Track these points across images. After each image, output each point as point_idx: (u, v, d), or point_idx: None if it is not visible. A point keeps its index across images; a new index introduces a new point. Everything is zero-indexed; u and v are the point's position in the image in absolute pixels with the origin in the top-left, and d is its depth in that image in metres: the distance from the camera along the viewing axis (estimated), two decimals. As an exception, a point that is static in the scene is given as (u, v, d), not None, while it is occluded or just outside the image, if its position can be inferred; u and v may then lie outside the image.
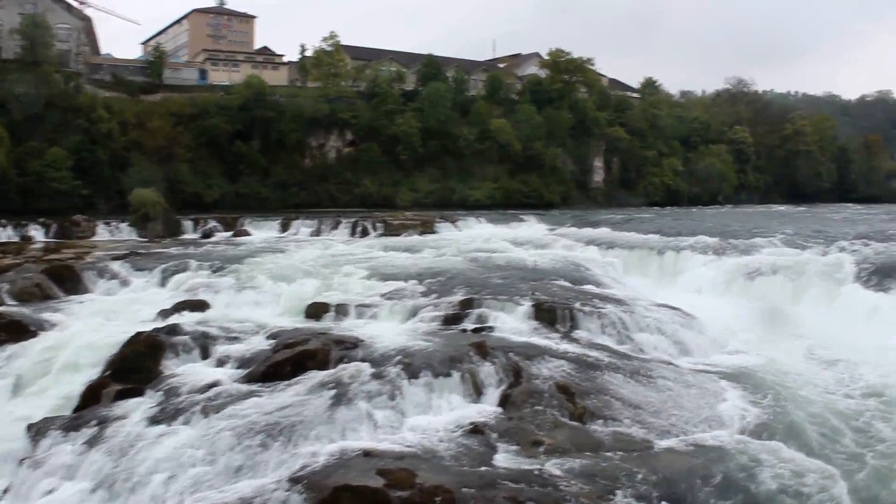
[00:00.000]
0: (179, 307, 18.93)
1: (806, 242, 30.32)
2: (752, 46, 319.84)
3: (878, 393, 14.39)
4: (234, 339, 15.71)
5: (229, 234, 46.41)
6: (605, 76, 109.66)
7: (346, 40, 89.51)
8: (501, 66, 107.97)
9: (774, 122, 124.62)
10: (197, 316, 17.86)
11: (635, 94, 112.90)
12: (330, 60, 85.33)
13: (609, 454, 10.52)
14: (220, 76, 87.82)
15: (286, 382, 12.73)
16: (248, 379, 13.17)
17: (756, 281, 25.24)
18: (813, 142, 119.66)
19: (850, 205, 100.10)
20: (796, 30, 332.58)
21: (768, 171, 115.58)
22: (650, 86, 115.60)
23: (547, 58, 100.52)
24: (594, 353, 15.55)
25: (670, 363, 15.87)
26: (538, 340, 16.28)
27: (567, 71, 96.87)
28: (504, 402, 12.57)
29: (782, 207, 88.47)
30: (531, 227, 50.30)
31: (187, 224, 48.71)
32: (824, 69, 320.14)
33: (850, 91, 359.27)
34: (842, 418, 12.88)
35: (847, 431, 12.28)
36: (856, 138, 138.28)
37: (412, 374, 12.95)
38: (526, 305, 18.46)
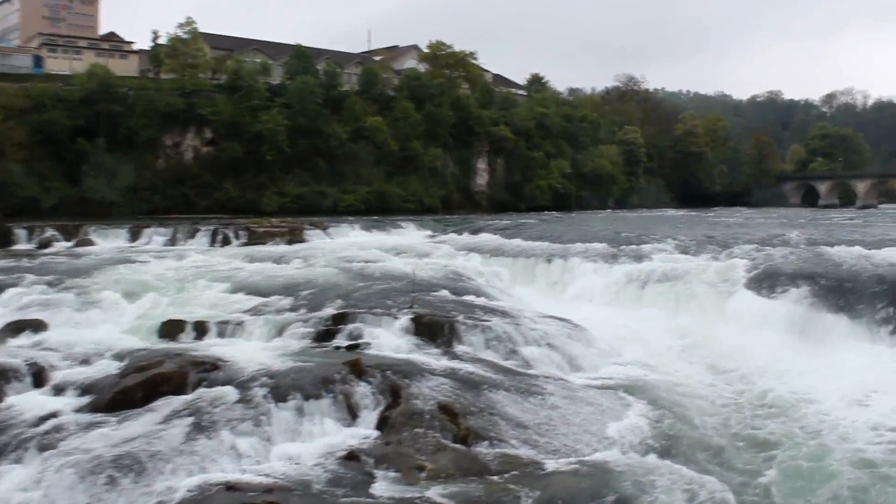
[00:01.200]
0: (10, 328, 17.94)
1: (698, 248, 31.74)
2: (643, 43, 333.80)
3: (771, 403, 15.21)
4: (76, 364, 15.02)
5: (70, 244, 44.29)
6: (489, 71, 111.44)
7: (204, 27, 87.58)
8: (377, 59, 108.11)
9: (666, 121, 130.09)
10: (31, 338, 17.00)
11: (521, 92, 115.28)
12: (186, 49, 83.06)
13: (495, 478, 10.63)
14: (58, 64, 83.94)
15: (137, 410, 12.27)
16: (93, 408, 12.61)
17: (647, 289, 26.23)
18: (705, 143, 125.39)
19: (742, 209, 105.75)
20: (687, 27, 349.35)
21: (660, 173, 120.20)
22: (537, 82, 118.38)
23: (427, 51, 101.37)
24: (478, 370, 15.73)
25: (559, 378, 16.24)
26: (418, 357, 16.33)
27: (448, 65, 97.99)
28: (382, 425, 12.53)
29: (674, 212, 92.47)
30: (410, 234, 50.53)
31: (20, 233, 46.11)
32: (716, 68, 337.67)
33: (741, 91, 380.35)
34: (735, 431, 13.54)
35: (740, 445, 12.91)
36: (747, 139, 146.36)
37: (280, 397, 12.73)
38: (404, 319, 18.49)
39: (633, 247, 32.50)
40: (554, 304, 24.83)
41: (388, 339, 17.50)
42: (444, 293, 23.19)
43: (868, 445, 12.79)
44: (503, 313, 20.06)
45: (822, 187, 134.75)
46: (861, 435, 13.30)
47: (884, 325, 22.49)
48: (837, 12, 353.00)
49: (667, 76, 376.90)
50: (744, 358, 18.77)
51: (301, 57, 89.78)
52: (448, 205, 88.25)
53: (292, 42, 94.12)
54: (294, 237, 46.47)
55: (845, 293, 24.01)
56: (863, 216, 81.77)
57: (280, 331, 18.14)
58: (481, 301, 22.47)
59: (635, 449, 12.28)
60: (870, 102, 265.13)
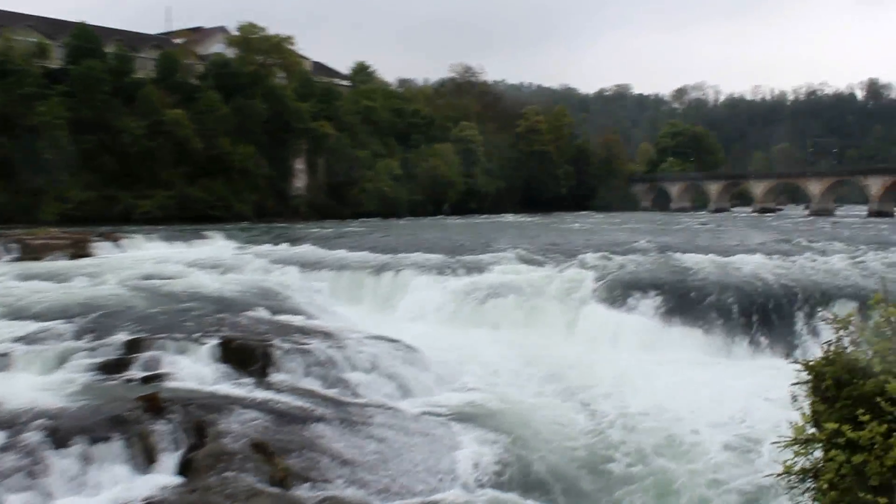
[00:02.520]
0: None
1: (543, 257, 32.76)
2: (482, 32, 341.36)
3: (624, 425, 15.84)
4: None
5: None
6: (308, 59, 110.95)
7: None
8: (178, 42, 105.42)
9: (507, 117, 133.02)
10: None
11: (345, 82, 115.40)
12: (-62, 24, 78.21)
13: (319, 525, 10.55)
14: None
15: None
16: None
17: (488, 304, 26.81)
18: (549, 141, 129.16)
19: (589, 213, 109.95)
20: (529, 15, 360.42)
21: (501, 174, 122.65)
22: (363, 72, 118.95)
23: (236, 34, 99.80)
24: (298, 401, 15.56)
25: (391, 407, 16.30)
26: (227, 388, 15.98)
27: (261, 51, 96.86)
28: (185, 469, 12.17)
29: (516, 217, 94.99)
30: (217, 245, 49.42)
31: None
32: (561, 59, 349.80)
33: (588, 84, 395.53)
34: (588, 458, 14.00)
35: (591, 474, 13.36)
36: (595, 137, 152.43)
37: (60, 441, 12.12)
38: (210, 345, 18.04)
39: (472, 257, 33.16)
40: (383, 322, 24.94)
41: (192, 368, 17.01)
42: (258, 313, 22.82)
43: (723, 465, 13.54)
44: (326, 335, 19.95)
45: (674, 189, 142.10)
46: (717, 455, 14.06)
47: (739, 337, 23.98)
48: (688, 5, 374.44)
49: (508, 67, 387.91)
50: (595, 377, 19.47)
51: (85, 37, 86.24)
52: (262, 211, 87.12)
53: (75, 19, 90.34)
54: (79, 251, 44.47)
55: (699, 304, 25.46)
56: (716, 220, 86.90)
57: (60, 362, 17.27)
58: (301, 321, 22.26)
59: (479, 484, 12.48)
60: (721, 98, 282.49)
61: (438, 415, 16.05)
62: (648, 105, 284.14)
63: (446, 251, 35.31)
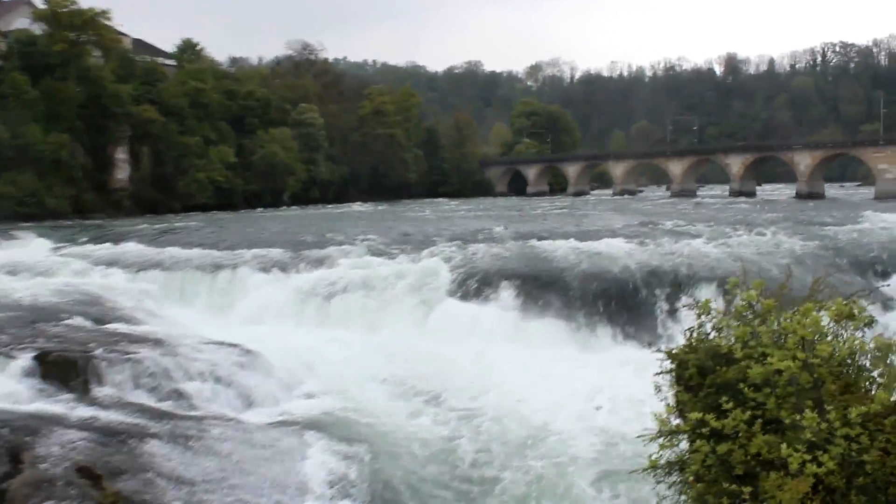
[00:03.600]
0: None
1: (393, 249, 32.89)
2: (319, 5, 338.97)
3: (483, 426, 16.09)
4: None
5: None
6: (127, 36, 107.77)
7: None
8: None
9: (350, 98, 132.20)
10: None
11: (170, 62, 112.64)
12: None
13: (155, 553, 10.34)
14: None
15: None
16: None
17: (335, 301, 26.77)
18: (396, 123, 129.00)
19: (441, 200, 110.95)
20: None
21: (345, 160, 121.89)
22: (190, 50, 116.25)
23: (43, 7, 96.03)
24: (127, 417, 15.18)
25: (231, 418, 16.09)
26: (46, 407, 15.44)
27: (73, 27, 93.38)
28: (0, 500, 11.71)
29: (363, 206, 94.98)
30: (28, 246, 47.48)
31: None
32: (406, 34, 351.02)
33: (437, 61, 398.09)
34: (444, 465, 14.16)
35: (450, 481, 13.53)
36: (446, 118, 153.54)
37: None
38: (24, 359, 17.37)
39: (317, 251, 33.01)
40: (221, 325, 24.59)
41: (4, 386, 16.37)
42: (79, 321, 22.12)
43: (589, 462, 13.94)
44: (157, 342, 19.50)
45: (531, 172, 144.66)
46: (582, 452, 14.46)
47: (602, 327, 24.70)
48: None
49: (350, 44, 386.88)
50: (452, 376, 19.70)
51: None
52: (80, 207, 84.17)
53: None
54: None
55: (560, 294, 26.09)
56: (575, 204, 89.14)
57: None
58: (127, 328, 21.69)
59: (331, 497, 12.46)
60: (578, 75, 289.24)
61: (285, 425, 15.93)
62: (501, 83, 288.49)
63: (288, 245, 35.03)
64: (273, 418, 16.44)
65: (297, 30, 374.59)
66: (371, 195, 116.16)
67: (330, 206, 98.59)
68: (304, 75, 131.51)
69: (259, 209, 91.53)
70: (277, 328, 25.25)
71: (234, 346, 19.79)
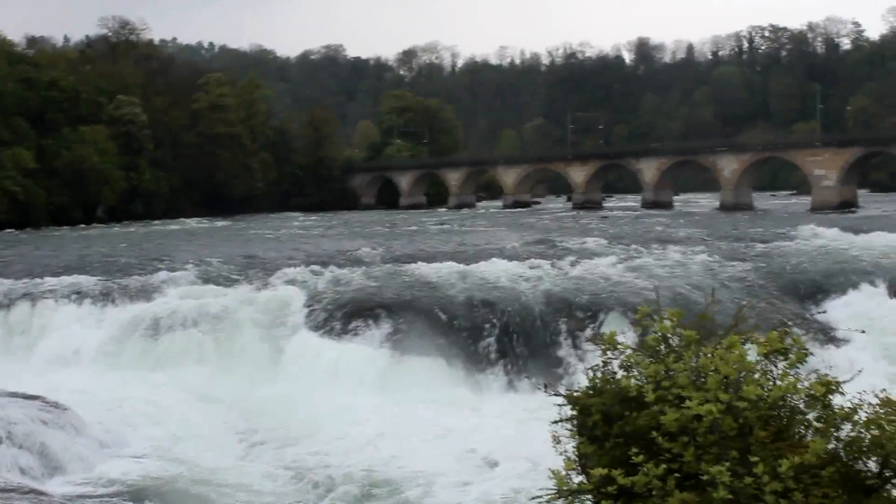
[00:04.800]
0: None
1: (235, 275, 32.55)
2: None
3: (344, 493, 16.02)
4: None
5: None
6: None
7: None
8: None
9: (181, 89, 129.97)
10: None
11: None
12: None
13: None
14: None
15: None
16: None
17: (163, 339, 26.34)
18: (239, 120, 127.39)
19: (295, 214, 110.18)
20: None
21: (175, 166, 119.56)
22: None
23: None
24: None
25: (30, 490, 15.68)
26: None
27: None
28: None
29: (198, 222, 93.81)
30: None
31: None
32: (250, 13, 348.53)
33: (289, 45, 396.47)
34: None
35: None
36: (300, 115, 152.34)
37: None
38: None
39: (139, 278, 32.45)
40: (17, 372, 23.95)
41: None
42: None
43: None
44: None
45: (404, 181, 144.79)
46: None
47: (492, 367, 24.87)
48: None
49: (180, 23, 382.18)
50: (307, 429, 19.61)
51: None
52: None
53: None
54: None
55: (441, 328, 26.19)
56: (458, 218, 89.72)
57: None
58: None
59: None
60: (460, 63, 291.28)
61: (99, 496, 15.61)
62: (368, 72, 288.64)
63: (103, 272, 34.35)
64: (86, 488, 16.09)
65: (112, 3, 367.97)
66: (209, 209, 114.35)
67: (157, 222, 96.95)
68: (123, 60, 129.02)
69: (66, 227, 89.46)
70: (90, 374, 24.72)
71: (35, 398, 19.30)
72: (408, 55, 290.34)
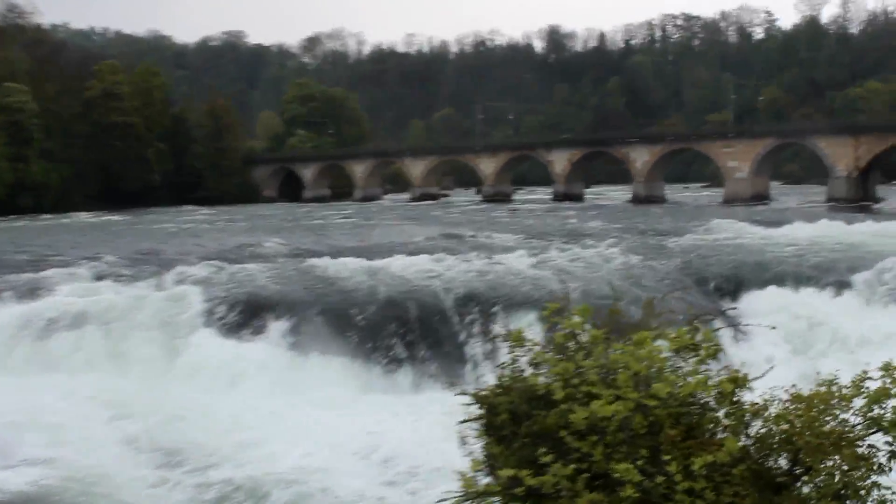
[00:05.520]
0: None
1: (130, 272, 32.13)
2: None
3: (250, 499, 15.91)
4: None
5: None
6: None
7: None
8: None
9: (74, 76, 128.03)
10: None
11: None
12: None
13: None
14: None
15: None
16: None
17: (53, 340, 25.86)
18: (134, 109, 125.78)
19: (194, 208, 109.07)
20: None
21: (66, 157, 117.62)
22: None
23: None
24: None
25: None
26: None
27: None
28: None
29: (92, 217, 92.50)
30: None
31: None
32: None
33: (186, 31, 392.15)
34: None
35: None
36: (199, 104, 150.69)
37: None
38: None
39: (26, 275, 31.83)
40: None
41: None
42: None
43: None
44: None
45: (308, 173, 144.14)
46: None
47: (400, 366, 24.89)
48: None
49: (71, 6, 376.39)
50: (208, 432, 19.41)
51: None
52: None
53: None
54: None
55: (347, 325, 26.15)
56: (364, 212, 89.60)
57: None
58: None
59: None
60: (366, 50, 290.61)
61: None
62: (270, 59, 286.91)
63: (-12, 269, 33.73)
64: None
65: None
66: (103, 202, 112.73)
67: (47, 216, 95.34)
68: (10, 46, 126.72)
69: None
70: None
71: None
72: (312, 42, 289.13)
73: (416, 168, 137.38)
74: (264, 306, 26.92)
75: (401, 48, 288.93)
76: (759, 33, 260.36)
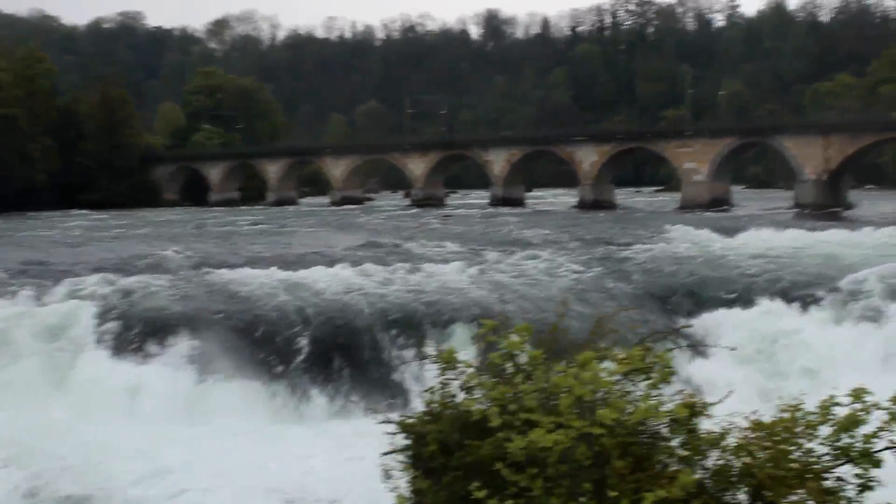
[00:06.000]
0: None
1: (10, 284, 31.73)
2: None
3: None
4: None
5: None
6: None
7: None
8: None
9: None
10: None
11: None
12: None
13: None
14: None
15: None
16: None
17: None
18: (15, 100, 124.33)
19: (85, 212, 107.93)
20: None
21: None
22: None
23: None
24: None
25: None
26: None
27: None
28: None
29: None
30: None
31: None
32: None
33: (76, 11, 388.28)
34: None
35: None
36: (90, 94, 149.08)
37: None
38: None
39: None
40: None
41: None
42: None
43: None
44: None
45: (215, 173, 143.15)
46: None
47: (317, 391, 24.82)
48: None
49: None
50: (100, 466, 19.23)
51: None
52: None
53: None
54: None
55: (258, 345, 26.04)
56: (278, 217, 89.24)
57: None
58: None
59: None
60: (281, 36, 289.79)
61: None
62: (172, 45, 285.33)
63: None
64: None
65: None
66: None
67: None
68: None
69: None
70: None
71: None
72: (219, 26, 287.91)
73: (337, 168, 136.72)
74: (164, 324, 26.71)
75: (320, 33, 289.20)
76: (719, 20, 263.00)
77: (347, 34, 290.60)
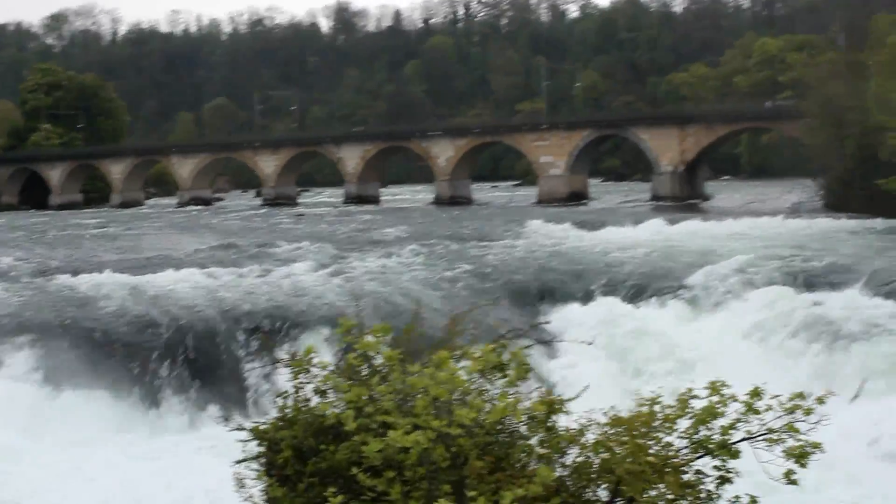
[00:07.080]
0: None
1: None
2: None
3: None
4: None
5: None
6: None
7: None
8: None
9: None
10: None
11: None
12: None
13: None
14: None
15: None
16: None
17: None
18: None
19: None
20: None
21: None
22: None
23: None
24: None
25: None
26: None
27: None
28: None
29: None
30: None
31: None
32: None
33: None
34: None
35: None
36: None
37: None
38: None
39: None
40: None
41: None
42: None
43: None
44: None
45: (55, 175, 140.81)
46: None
47: (168, 398, 24.57)
48: None
49: None
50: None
51: None
52: None
53: None
54: None
55: (103, 353, 25.67)
56: (122, 219, 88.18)
57: None
58: None
59: None
60: (122, 30, 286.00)
61: None
62: (6, 40, 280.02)
63: None
64: None
65: None
66: None
67: None
68: None
69: None
70: None
71: None
72: (56, 20, 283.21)
73: (185, 168, 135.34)
74: (4, 332, 26.24)
75: (164, 28, 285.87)
76: (573, 11, 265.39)
77: (192, 28, 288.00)
